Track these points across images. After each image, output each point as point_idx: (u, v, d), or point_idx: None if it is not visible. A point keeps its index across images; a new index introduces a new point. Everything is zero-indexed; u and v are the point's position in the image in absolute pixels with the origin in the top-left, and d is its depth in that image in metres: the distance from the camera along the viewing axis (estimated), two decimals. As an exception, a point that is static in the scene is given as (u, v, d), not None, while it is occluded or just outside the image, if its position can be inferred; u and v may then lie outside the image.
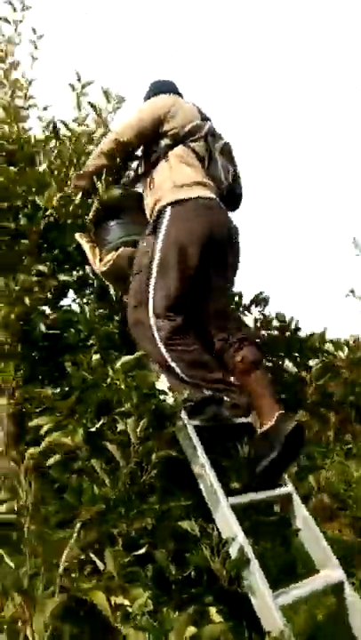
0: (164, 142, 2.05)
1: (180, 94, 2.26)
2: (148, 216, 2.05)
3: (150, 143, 2.10)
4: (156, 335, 1.82)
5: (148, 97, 2.25)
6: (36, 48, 2.71)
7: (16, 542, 1.24)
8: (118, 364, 1.63)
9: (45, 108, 2.47)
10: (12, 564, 1.02)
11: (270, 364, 2.49)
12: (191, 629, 1.04)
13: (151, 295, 1.86)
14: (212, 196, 1.98)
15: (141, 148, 2.17)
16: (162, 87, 2.25)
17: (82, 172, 2.15)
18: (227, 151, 2.10)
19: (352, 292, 4.77)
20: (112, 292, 2.30)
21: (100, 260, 2.05)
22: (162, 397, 1.64)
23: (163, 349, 1.81)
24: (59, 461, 1.59)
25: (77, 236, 2.10)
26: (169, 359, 1.80)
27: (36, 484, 1.21)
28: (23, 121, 2.54)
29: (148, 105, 2.11)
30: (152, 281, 1.87)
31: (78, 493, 1.43)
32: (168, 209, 1.92)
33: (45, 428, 1.65)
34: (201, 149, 2.07)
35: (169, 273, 1.86)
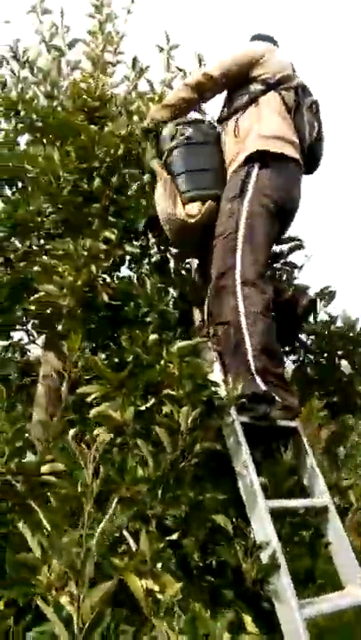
0: (255, 87, 2.00)
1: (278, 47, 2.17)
2: (228, 163, 1.95)
3: (240, 86, 2.03)
4: (240, 305, 1.73)
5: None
6: (132, 1, 2.60)
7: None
8: (175, 348, 1.59)
9: (134, 64, 2.38)
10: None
11: (326, 362, 2.38)
12: (227, 636, 1.03)
13: (239, 260, 1.77)
14: (297, 156, 1.94)
15: (226, 90, 2.09)
16: (260, 37, 2.18)
17: (163, 103, 2.06)
18: (315, 108, 2.03)
19: None
20: (172, 264, 2.25)
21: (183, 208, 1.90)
22: (214, 389, 1.60)
23: (243, 322, 1.72)
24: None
25: (156, 165, 1.93)
26: (246, 335, 1.70)
27: (105, 470, 1.19)
28: (110, 76, 2.47)
29: (243, 48, 2.06)
30: (239, 245, 1.78)
31: (121, 470, 1.42)
32: (256, 166, 1.86)
33: (92, 397, 1.65)
34: (290, 100, 2.01)
35: (257, 238, 1.80)
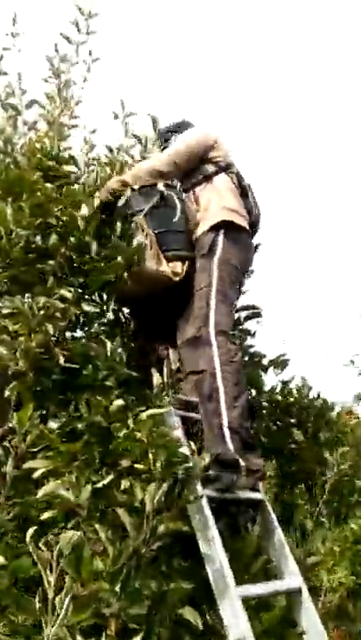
0: (209, 168, 2.13)
1: None
2: (192, 227, 2.04)
3: (194, 167, 2.14)
4: (215, 353, 1.79)
5: (170, 132, 2.34)
6: (89, 70, 2.67)
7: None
8: (145, 415, 1.46)
9: (93, 131, 2.40)
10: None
11: (277, 430, 2.35)
12: None
13: (213, 312, 1.86)
14: (248, 228, 2.11)
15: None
16: (187, 123, 2.36)
17: (122, 179, 2.08)
18: (252, 189, 2.21)
19: (352, 362, 4.70)
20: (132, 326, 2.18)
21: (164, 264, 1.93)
22: (184, 463, 1.47)
23: (218, 370, 1.76)
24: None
25: (142, 220, 1.92)
26: (220, 385, 1.74)
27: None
28: (65, 139, 2.46)
29: (197, 137, 2.17)
30: (212, 298, 1.87)
31: (77, 563, 1.22)
32: (221, 233, 1.97)
33: (39, 473, 1.46)
34: (236, 181, 2.17)
35: (227, 292, 1.93)
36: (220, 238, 1.97)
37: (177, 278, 1.89)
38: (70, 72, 2.52)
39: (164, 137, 2.37)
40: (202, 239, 2.00)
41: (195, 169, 2.13)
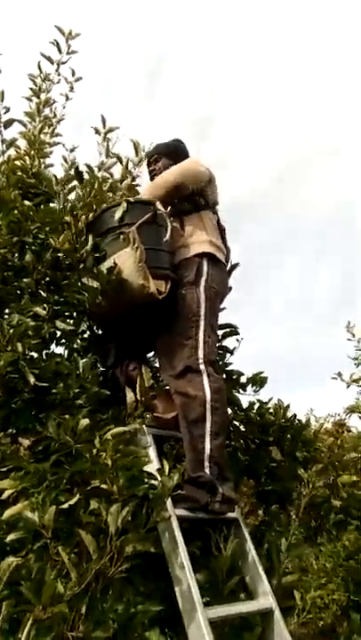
0: (200, 201, 2.14)
1: None
2: (175, 251, 2.04)
3: (183, 196, 2.14)
4: (205, 381, 1.81)
5: (171, 152, 2.30)
6: (71, 89, 2.71)
7: None
8: (109, 435, 1.46)
9: (73, 150, 2.42)
10: None
11: (256, 448, 2.34)
12: None
13: (201, 342, 1.86)
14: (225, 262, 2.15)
15: None
16: (180, 144, 2.36)
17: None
18: (225, 233, 2.24)
19: (339, 374, 4.71)
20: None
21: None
22: (150, 482, 1.46)
23: (208, 399, 1.78)
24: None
25: (135, 232, 1.87)
26: (209, 413, 1.76)
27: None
28: (45, 157, 2.49)
29: (205, 164, 2.18)
30: (201, 327, 1.89)
31: (38, 587, 1.21)
32: (205, 261, 2.01)
33: (7, 494, 1.44)
34: (216, 221, 2.20)
35: (214, 320, 1.97)
36: (205, 264, 2.00)
37: (160, 297, 1.88)
38: (51, 90, 2.56)
39: (155, 157, 2.34)
40: (185, 264, 2.01)
41: (186, 198, 2.13)
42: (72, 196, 2.29)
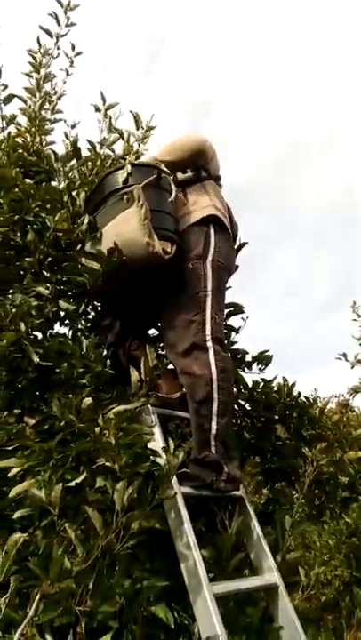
0: (203, 173, 2.10)
1: None
2: (180, 220, 1.98)
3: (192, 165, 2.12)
4: (212, 359, 1.78)
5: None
6: (71, 64, 2.64)
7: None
8: (111, 413, 1.46)
9: (74, 126, 2.37)
10: None
11: (261, 427, 2.35)
12: None
13: (208, 319, 1.82)
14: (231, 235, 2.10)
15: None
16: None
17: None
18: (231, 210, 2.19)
19: (344, 355, 4.68)
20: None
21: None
22: (154, 459, 1.46)
23: (215, 377, 1.75)
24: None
25: (140, 191, 1.80)
26: (216, 391, 1.73)
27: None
28: (47, 134, 2.44)
29: (209, 139, 2.14)
30: (208, 304, 1.85)
31: (46, 562, 1.22)
32: (212, 228, 1.95)
33: (14, 472, 1.45)
34: (222, 194, 2.15)
35: (220, 297, 1.93)
36: (212, 233, 1.94)
37: (167, 257, 1.81)
38: (51, 65, 2.49)
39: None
40: (191, 231, 1.95)
41: (192, 168, 2.10)
42: (75, 174, 2.25)
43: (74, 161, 2.31)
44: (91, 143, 2.37)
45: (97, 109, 2.48)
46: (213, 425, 1.71)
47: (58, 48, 2.54)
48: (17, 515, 1.37)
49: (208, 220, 1.97)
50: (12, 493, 1.37)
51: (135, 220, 1.77)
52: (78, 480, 1.39)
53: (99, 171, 2.19)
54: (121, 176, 1.88)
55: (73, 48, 2.63)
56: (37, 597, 1.24)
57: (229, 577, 1.60)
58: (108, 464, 1.40)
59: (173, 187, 1.95)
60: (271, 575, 1.63)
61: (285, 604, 1.58)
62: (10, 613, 1.20)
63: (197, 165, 2.08)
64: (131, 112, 2.40)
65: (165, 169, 1.97)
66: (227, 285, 2.08)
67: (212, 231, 1.95)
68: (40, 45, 2.55)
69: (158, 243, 1.79)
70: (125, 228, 1.79)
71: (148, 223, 1.77)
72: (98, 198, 1.93)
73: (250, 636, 1.66)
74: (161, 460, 1.49)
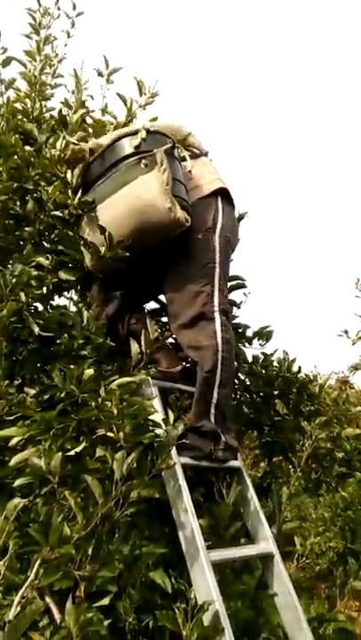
0: (194, 150, 2.08)
1: None
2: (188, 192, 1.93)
3: None
4: (218, 330, 1.78)
5: None
6: (72, 25, 2.54)
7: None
8: (114, 385, 1.46)
9: (73, 92, 2.29)
10: None
11: (261, 401, 2.36)
12: None
13: (217, 289, 1.83)
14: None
15: None
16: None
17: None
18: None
19: (346, 332, 4.67)
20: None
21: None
22: (155, 431, 1.47)
23: (220, 347, 1.76)
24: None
25: (163, 154, 1.75)
26: (219, 362, 1.74)
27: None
28: (47, 99, 2.37)
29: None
30: (216, 276, 1.84)
31: (45, 529, 1.24)
32: (221, 201, 1.94)
33: (15, 441, 1.46)
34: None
35: (227, 269, 1.93)
36: (220, 207, 1.93)
37: (187, 224, 1.78)
38: (51, 27, 2.40)
39: None
40: (200, 204, 1.93)
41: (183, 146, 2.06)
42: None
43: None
44: (88, 111, 2.29)
45: (99, 74, 2.40)
46: (215, 394, 1.73)
47: (58, 8, 2.43)
48: (17, 483, 1.39)
49: (216, 193, 1.95)
50: (13, 462, 1.39)
51: (157, 184, 1.71)
52: (78, 449, 1.41)
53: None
54: (136, 140, 1.80)
55: (74, 7, 2.52)
56: (37, 562, 1.26)
57: (226, 545, 1.64)
58: (109, 434, 1.41)
59: (188, 157, 1.92)
60: (267, 544, 1.66)
61: (281, 572, 1.61)
62: (11, 577, 1.23)
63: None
64: (134, 78, 2.32)
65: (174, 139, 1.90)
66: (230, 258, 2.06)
67: (220, 204, 1.94)
68: (40, 4, 2.45)
69: (180, 209, 1.76)
70: (146, 192, 1.73)
71: (170, 189, 1.73)
72: (104, 165, 1.85)
73: (245, 602, 1.71)
74: (160, 431, 1.50)
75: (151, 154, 1.75)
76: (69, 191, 1.85)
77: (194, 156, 2.06)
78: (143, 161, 1.74)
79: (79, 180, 1.88)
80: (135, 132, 1.81)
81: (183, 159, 1.99)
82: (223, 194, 1.96)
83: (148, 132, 1.82)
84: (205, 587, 1.37)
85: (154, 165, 1.73)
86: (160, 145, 1.80)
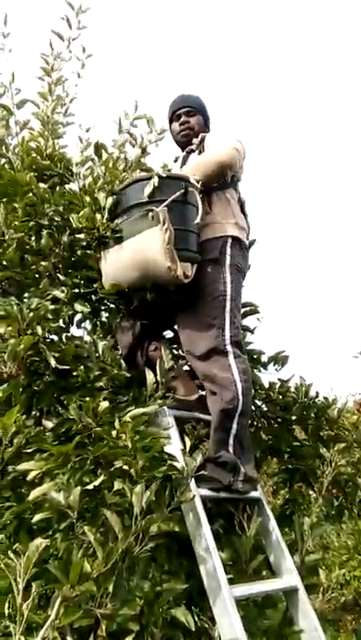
0: (229, 179, 2.06)
1: None
2: (202, 229, 1.95)
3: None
4: (232, 363, 1.78)
5: (204, 110, 2.28)
6: (83, 67, 2.65)
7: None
8: (128, 417, 1.46)
9: (88, 130, 2.37)
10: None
11: (279, 427, 2.33)
12: None
13: (228, 321, 1.84)
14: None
15: None
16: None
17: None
18: (245, 205, 2.17)
19: (361, 353, 4.63)
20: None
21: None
22: (171, 463, 1.46)
23: (238, 379, 1.76)
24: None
25: (165, 212, 1.76)
26: (240, 392, 1.74)
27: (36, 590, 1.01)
28: (59, 137, 2.45)
29: (244, 149, 2.08)
30: (227, 308, 1.86)
31: (66, 565, 1.23)
32: (230, 241, 1.96)
33: (33, 475, 1.46)
34: (238, 196, 2.12)
35: (238, 301, 1.95)
36: (228, 244, 1.94)
37: (186, 280, 1.81)
38: (62, 69, 2.50)
39: (189, 110, 2.22)
40: (209, 243, 1.95)
41: None
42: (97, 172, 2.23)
43: (88, 164, 2.30)
44: (103, 147, 2.36)
45: (126, 116, 2.43)
46: (234, 425, 1.72)
47: (70, 52, 2.54)
48: (36, 518, 1.38)
49: (227, 237, 1.96)
50: (31, 497, 1.39)
51: (159, 242, 1.75)
52: (96, 483, 1.40)
53: (111, 172, 2.18)
54: (147, 189, 1.82)
55: (84, 50, 2.63)
56: (58, 600, 1.24)
57: (249, 579, 1.59)
58: (126, 467, 1.40)
59: (200, 203, 1.88)
60: (291, 577, 1.61)
61: (306, 606, 1.57)
62: (31, 616, 1.21)
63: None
64: (145, 116, 2.38)
65: (194, 182, 1.90)
66: (242, 286, 2.07)
67: (228, 243, 1.95)
68: (52, 49, 2.56)
69: (180, 266, 1.78)
70: (149, 248, 1.78)
71: (171, 247, 1.75)
72: (122, 206, 1.90)
73: (270, 639, 1.65)
74: (178, 464, 1.49)
75: (156, 211, 1.77)
76: (97, 215, 1.90)
77: (224, 187, 2.03)
78: (150, 214, 1.78)
79: (112, 207, 1.91)
80: (149, 178, 1.84)
81: (202, 199, 1.93)
82: (233, 238, 1.97)
83: (161, 177, 1.83)
84: (229, 624, 1.33)
85: (158, 222, 1.77)
86: (173, 191, 1.82)
